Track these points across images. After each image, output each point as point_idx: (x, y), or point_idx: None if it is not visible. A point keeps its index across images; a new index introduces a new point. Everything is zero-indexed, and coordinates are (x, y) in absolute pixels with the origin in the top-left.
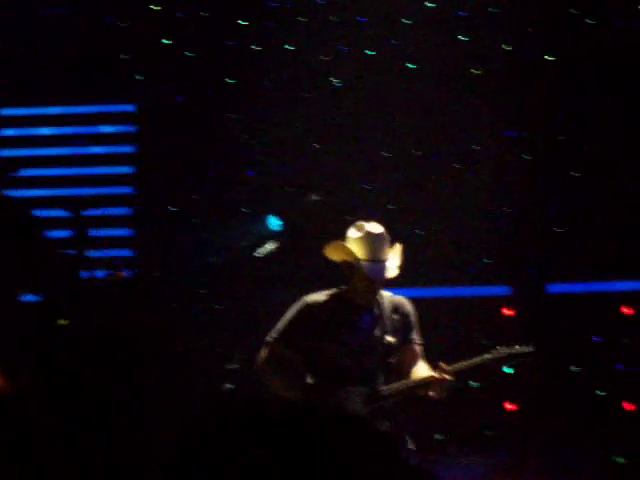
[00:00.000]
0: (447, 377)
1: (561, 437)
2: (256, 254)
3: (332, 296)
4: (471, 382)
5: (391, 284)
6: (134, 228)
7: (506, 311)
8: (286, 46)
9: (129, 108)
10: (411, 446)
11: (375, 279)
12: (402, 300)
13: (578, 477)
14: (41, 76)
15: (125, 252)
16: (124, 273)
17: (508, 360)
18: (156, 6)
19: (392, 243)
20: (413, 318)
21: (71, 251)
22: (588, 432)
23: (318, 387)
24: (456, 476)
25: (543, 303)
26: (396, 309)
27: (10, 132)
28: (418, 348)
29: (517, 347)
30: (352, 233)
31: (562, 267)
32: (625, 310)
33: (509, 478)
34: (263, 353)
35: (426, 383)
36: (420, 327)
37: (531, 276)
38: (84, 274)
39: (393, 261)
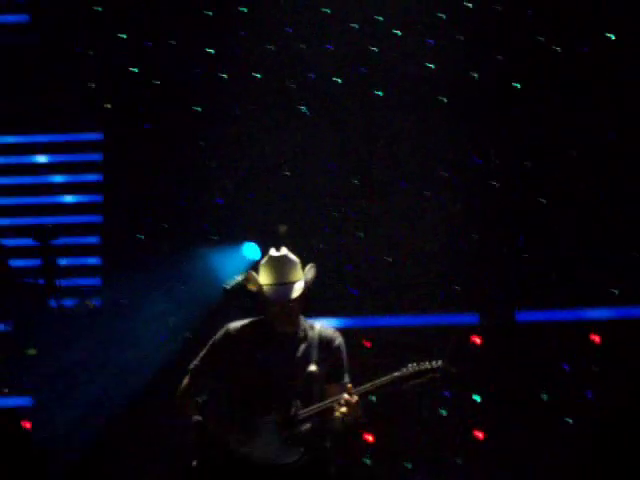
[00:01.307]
0: (355, 398)
1: (530, 465)
2: (224, 285)
3: (254, 323)
4: (442, 411)
5: (364, 311)
6: (102, 257)
7: (474, 340)
8: (254, 74)
9: (96, 136)
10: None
11: (278, 302)
12: (333, 335)
13: None
14: (8, 105)
15: (94, 281)
16: (93, 302)
17: (417, 376)
18: (124, 34)
19: (304, 264)
20: (343, 354)
21: (40, 280)
22: (557, 457)
23: (230, 418)
24: None
25: (511, 332)
26: (325, 342)
27: None
28: (348, 387)
29: (426, 363)
30: (260, 261)
31: (531, 295)
32: (593, 338)
33: None
34: (185, 382)
35: (335, 404)
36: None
37: (499, 304)
38: (53, 303)
39: (299, 282)
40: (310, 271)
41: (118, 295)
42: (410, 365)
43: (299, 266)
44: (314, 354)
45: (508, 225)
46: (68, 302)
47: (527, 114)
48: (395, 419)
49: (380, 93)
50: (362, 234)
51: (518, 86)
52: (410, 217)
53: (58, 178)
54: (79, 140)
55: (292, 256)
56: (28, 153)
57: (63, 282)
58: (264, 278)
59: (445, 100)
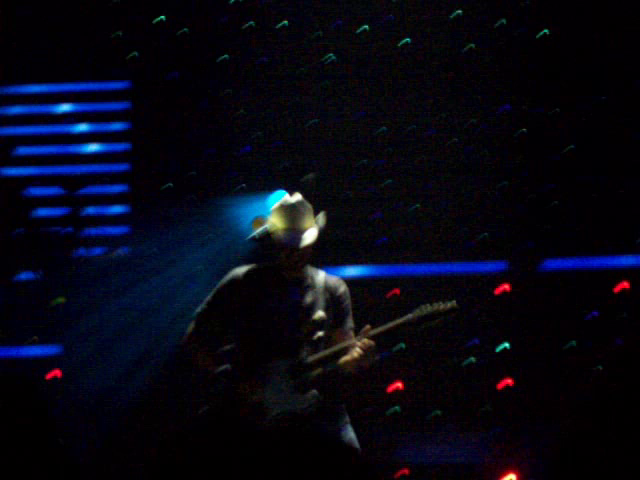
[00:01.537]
0: (367, 341)
1: (558, 413)
2: (248, 237)
3: (261, 269)
4: (471, 359)
5: (394, 259)
6: (130, 205)
7: (501, 288)
8: (281, 22)
9: (123, 85)
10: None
11: (291, 246)
12: (337, 281)
13: None
14: (36, 54)
15: (121, 229)
16: (120, 251)
17: (431, 318)
18: None
19: (315, 212)
20: (347, 301)
21: (67, 229)
22: (585, 407)
23: (240, 365)
24: (453, 451)
25: (538, 279)
26: (330, 289)
27: (4, 110)
28: (351, 333)
29: (440, 304)
30: (273, 205)
31: (558, 242)
32: (622, 285)
33: (505, 453)
34: (190, 327)
35: (347, 348)
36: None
37: (527, 251)
38: (80, 252)
39: (312, 230)
40: (322, 219)
41: (146, 244)
42: (423, 306)
43: (312, 213)
44: (320, 301)
45: (536, 173)
46: (96, 251)
47: (557, 61)
48: (424, 366)
49: (408, 40)
50: (390, 182)
51: (547, 32)
52: (438, 165)
53: (84, 127)
54: (106, 89)
55: (306, 203)
56: (56, 102)
57: (91, 231)
58: (277, 222)
59: (473, 46)
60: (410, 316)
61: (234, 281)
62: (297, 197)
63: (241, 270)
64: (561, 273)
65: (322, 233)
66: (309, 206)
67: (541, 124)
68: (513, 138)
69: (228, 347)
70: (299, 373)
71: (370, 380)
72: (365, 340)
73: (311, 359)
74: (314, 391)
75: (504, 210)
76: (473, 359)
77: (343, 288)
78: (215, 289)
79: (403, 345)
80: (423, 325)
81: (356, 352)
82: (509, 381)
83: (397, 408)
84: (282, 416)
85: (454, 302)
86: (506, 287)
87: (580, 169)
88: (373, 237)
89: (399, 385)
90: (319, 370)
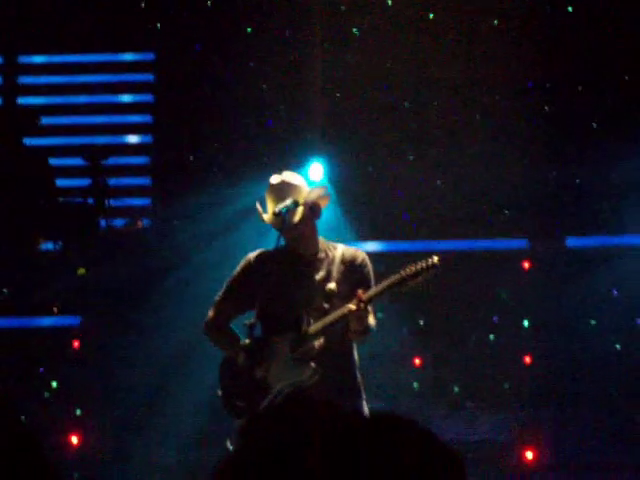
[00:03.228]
0: (362, 305)
1: (578, 391)
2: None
3: (275, 250)
4: (490, 335)
5: (414, 236)
6: (152, 177)
7: (525, 264)
8: None
9: (148, 57)
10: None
11: (280, 229)
12: (355, 253)
13: (594, 433)
14: (60, 24)
15: (143, 201)
16: (142, 222)
17: (415, 276)
18: None
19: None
20: (367, 269)
21: (90, 200)
22: (605, 386)
23: (250, 342)
24: (473, 430)
25: (561, 256)
26: (346, 261)
27: (30, 80)
28: (357, 295)
29: (422, 262)
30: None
31: (581, 220)
32: None
33: (525, 432)
34: (210, 313)
35: (345, 315)
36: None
37: (550, 229)
38: (102, 223)
39: (300, 207)
40: (313, 193)
41: (167, 215)
42: (408, 267)
43: (300, 188)
44: (334, 273)
45: (560, 150)
46: (117, 222)
47: (581, 37)
48: (443, 344)
49: (431, 15)
50: (413, 158)
51: (570, 9)
52: (462, 141)
53: (110, 98)
54: (131, 60)
55: (292, 179)
56: (80, 72)
57: (112, 202)
58: (268, 207)
59: (496, 22)
60: (395, 277)
61: (248, 264)
62: (282, 176)
63: (255, 253)
64: (582, 251)
65: (314, 205)
66: (295, 183)
67: (565, 102)
68: (536, 116)
69: (248, 322)
70: (299, 345)
71: (390, 356)
72: (354, 306)
73: (311, 330)
74: (312, 363)
75: (526, 188)
76: (492, 336)
77: (361, 257)
78: (231, 275)
79: (422, 322)
80: (409, 283)
81: (352, 322)
82: (527, 359)
83: (414, 384)
84: (284, 389)
85: (435, 258)
86: (526, 264)
87: (604, 148)
88: (395, 213)
89: (417, 361)
90: (319, 340)
